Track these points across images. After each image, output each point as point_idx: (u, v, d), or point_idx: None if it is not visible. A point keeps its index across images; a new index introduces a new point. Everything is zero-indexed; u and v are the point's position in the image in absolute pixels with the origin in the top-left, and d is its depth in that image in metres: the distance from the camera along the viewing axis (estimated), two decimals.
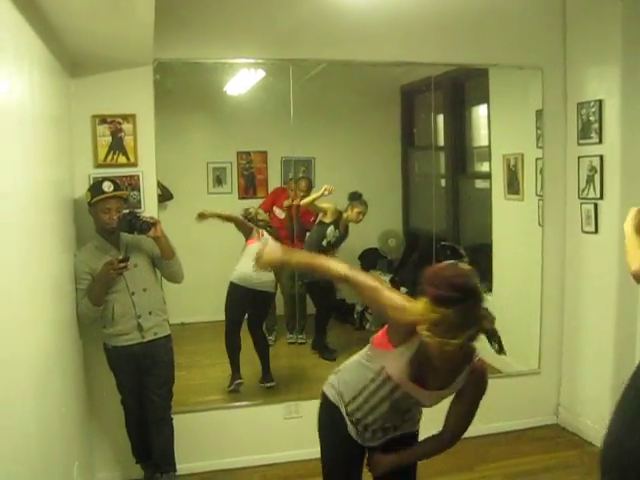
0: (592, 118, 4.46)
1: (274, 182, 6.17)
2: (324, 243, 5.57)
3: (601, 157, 4.41)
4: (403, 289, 5.96)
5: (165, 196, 5.82)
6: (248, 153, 6.22)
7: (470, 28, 4.56)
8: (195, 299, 5.04)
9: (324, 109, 5.99)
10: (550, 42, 4.73)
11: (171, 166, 5.51)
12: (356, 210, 5.67)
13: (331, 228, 5.64)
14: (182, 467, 4.03)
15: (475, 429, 4.56)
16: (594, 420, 4.59)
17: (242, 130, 5.96)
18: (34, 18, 2.65)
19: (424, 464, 3.42)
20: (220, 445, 4.28)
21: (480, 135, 6.12)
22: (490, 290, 5.58)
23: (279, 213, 5.78)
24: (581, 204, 4.59)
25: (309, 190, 5.70)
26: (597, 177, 4.44)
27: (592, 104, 4.46)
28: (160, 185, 5.67)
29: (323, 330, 5.68)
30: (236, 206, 5.20)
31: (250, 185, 6.23)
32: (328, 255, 4.92)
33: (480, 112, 6.08)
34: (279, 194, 5.90)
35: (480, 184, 6.16)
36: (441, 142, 6.30)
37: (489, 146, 5.64)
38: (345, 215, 5.66)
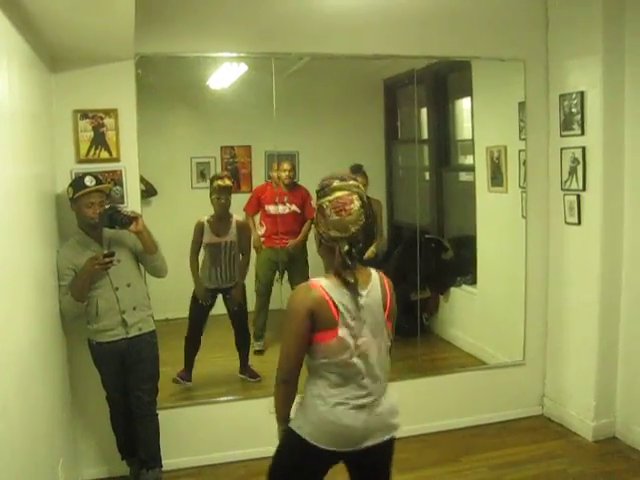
0: (574, 110, 4.48)
1: (258, 176, 6.13)
2: None
3: (583, 149, 4.42)
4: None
5: (149, 192, 5.79)
6: (232, 147, 6.18)
7: (452, 20, 4.56)
8: (180, 295, 5.00)
9: (308, 103, 5.97)
10: (532, 34, 4.74)
11: (154, 162, 5.48)
12: None
13: None
14: (168, 462, 4.02)
15: (460, 420, 4.68)
16: (579, 410, 4.62)
17: (226, 124, 5.93)
18: (13, 12, 2.62)
19: (411, 456, 3.46)
20: (206, 440, 4.27)
21: (463, 128, 6.14)
22: (474, 282, 5.61)
23: (274, 209, 5.66)
24: (564, 196, 4.61)
25: (293, 169, 5.68)
26: (580, 168, 4.46)
27: (574, 96, 4.47)
28: (144, 181, 5.63)
29: None
30: None
31: (234, 179, 6.20)
32: None
33: (463, 105, 6.09)
34: (263, 190, 5.79)
35: (464, 177, 6.17)
36: (425, 135, 6.31)
37: (472, 139, 5.66)
38: None
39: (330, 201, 2.44)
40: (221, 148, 6.14)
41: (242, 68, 5.11)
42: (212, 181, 5.07)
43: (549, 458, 4.31)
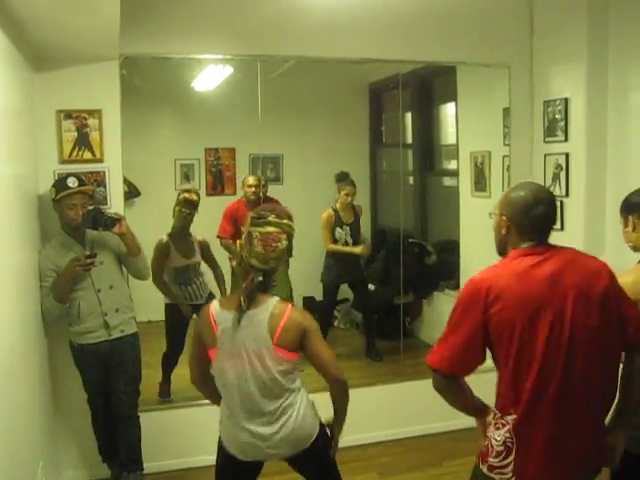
0: (558, 116, 4.51)
1: (242, 179, 6.13)
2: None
3: (567, 155, 4.46)
4: (371, 286, 5.98)
5: (132, 193, 5.75)
6: (216, 150, 6.18)
7: (437, 26, 4.57)
8: (162, 297, 4.97)
9: (293, 106, 5.99)
10: (517, 40, 4.77)
11: (138, 163, 5.46)
12: (343, 192, 5.60)
13: (338, 230, 5.65)
14: (150, 465, 4.00)
15: (444, 425, 4.68)
16: None
17: (210, 127, 5.92)
18: None
19: (393, 460, 3.46)
20: (188, 443, 4.24)
21: (448, 133, 6.17)
22: (458, 287, 5.62)
23: None
24: None
25: (259, 185, 5.32)
26: (563, 175, 4.49)
27: (558, 102, 4.51)
28: (127, 182, 5.57)
29: None
30: (204, 203, 5.14)
31: (218, 182, 6.19)
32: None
33: (448, 110, 6.12)
34: (237, 209, 5.40)
35: (448, 182, 6.20)
36: (409, 140, 6.33)
37: (457, 144, 5.68)
38: (335, 198, 5.62)
39: (261, 233, 2.59)
40: (205, 150, 6.14)
41: (227, 70, 5.11)
42: (180, 193, 4.90)
43: None
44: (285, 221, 2.63)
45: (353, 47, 4.45)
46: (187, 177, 6.08)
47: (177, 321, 4.81)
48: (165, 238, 4.79)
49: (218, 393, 2.75)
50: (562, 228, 4.52)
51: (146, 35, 4.02)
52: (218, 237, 5.33)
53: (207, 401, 2.87)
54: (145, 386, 4.02)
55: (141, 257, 3.82)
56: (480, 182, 5.26)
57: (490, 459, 2.23)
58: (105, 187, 3.99)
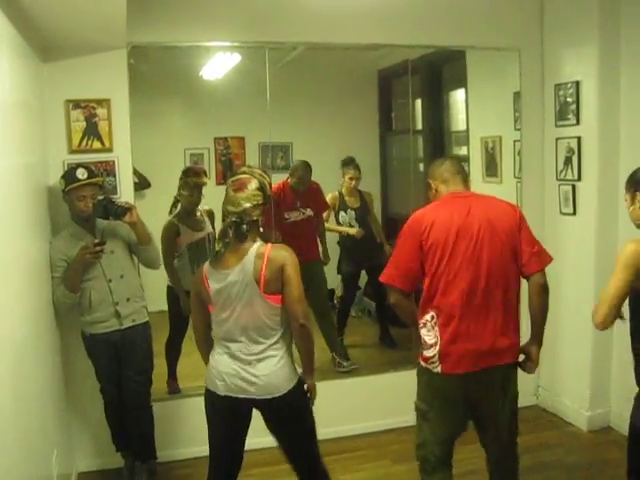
0: (569, 99, 4.46)
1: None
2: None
3: (579, 139, 4.41)
4: None
5: (142, 184, 5.71)
6: (225, 139, 6.15)
7: (446, 9, 4.53)
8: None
9: (302, 94, 5.94)
10: (527, 23, 4.72)
11: (147, 153, 5.43)
12: (347, 176, 5.60)
13: (342, 214, 5.61)
14: (163, 454, 4.03)
15: None
16: (573, 400, 4.63)
17: (219, 115, 5.88)
18: (3, 2, 2.59)
19: (407, 447, 3.44)
20: (201, 432, 4.21)
21: (458, 119, 6.11)
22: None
23: (296, 215, 5.24)
24: (559, 186, 4.60)
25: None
26: (575, 159, 4.44)
27: (569, 85, 4.46)
28: (137, 173, 5.53)
29: None
30: (214, 192, 5.11)
31: (228, 171, 6.15)
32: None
33: (458, 96, 6.05)
34: (281, 193, 5.21)
35: None
36: (419, 126, 6.28)
37: (467, 129, 5.63)
38: (340, 183, 5.60)
39: (232, 181, 2.84)
40: (214, 139, 6.10)
41: (235, 58, 5.07)
42: (185, 174, 4.74)
43: (544, 448, 4.31)
44: (257, 170, 2.87)
45: (362, 33, 4.43)
46: None
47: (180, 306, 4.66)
48: (174, 220, 4.70)
49: None
50: (574, 213, 4.50)
51: (153, 23, 4.01)
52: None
53: None
54: (157, 375, 4.02)
55: (152, 246, 3.81)
56: (491, 167, 5.21)
57: (424, 353, 2.91)
58: (115, 176, 3.99)
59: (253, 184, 2.80)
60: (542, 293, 2.96)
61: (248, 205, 2.76)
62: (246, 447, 3.05)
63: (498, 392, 2.94)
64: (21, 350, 2.73)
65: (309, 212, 5.28)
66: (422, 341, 2.92)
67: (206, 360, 3.01)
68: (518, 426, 3.10)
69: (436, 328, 2.85)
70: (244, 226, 2.75)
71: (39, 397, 3.09)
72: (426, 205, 3.03)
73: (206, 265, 2.86)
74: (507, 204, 3.02)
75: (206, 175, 4.88)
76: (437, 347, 2.85)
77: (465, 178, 3.04)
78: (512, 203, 3.10)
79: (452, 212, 2.87)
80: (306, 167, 5.32)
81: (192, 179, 4.70)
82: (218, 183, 6.06)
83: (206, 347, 3.00)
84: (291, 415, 2.91)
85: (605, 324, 2.66)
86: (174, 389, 4.68)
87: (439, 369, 2.86)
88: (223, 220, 2.83)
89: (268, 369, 2.82)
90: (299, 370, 2.96)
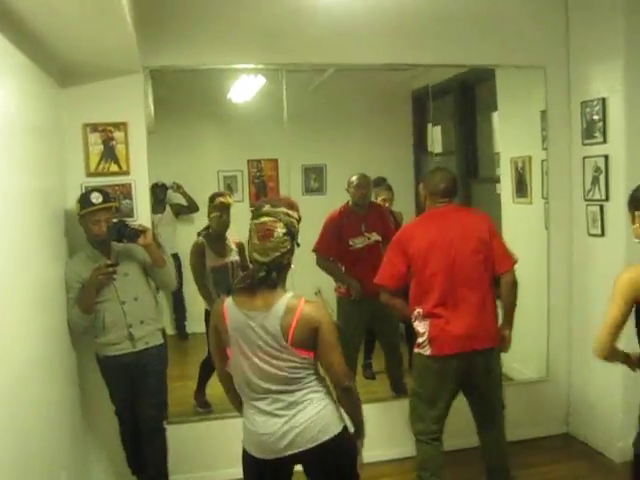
0: (596, 117, 4.34)
1: (285, 190, 6.11)
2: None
3: (606, 157, 4.28)
4: None
5: (191, 208, 5.78)
6: (259, 161, 6.18)
7: (471, 28, 4.48)
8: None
9: (335, 116, 5.93)
10: (552, 40, 4.62)
11: (181, 176, 5.51)
12: (380, 198, 5.33)
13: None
14: (177, 478, 4.01)
15: None
16: (605, 430, 4.45)
17: (250, 138, 5.92)
18: (14, 31, 2.68)
19: None
20: (215, 456, 4.22)
21: (490, 139, 6.01)
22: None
23: (361, 241, 4.87)
24: (587, 206, 4.47)
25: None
26: (602, 178, 4.31)
27: (596, 102, 4.34)
28: (186, 196, 5.60)
29: None
30: (247, 214, 5.14)
31: (262, 193, 6.18)
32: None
33: (490, 116, 5.97)
34: (340, 218, 4.89)
35: (492, 188, 6.04)
36: (452, 147, 6.21)
37: (498, 150, 5.53)
38: None
39: (256, 224, 2.54)
40: (248, 162, 6.15)
41: (261, 80, 5.10)
42: (212, 199, 4.80)
43: (573, 479, 4.17)
44: (281, 209, 2.54)
45: (388, 52, 4.41)
46: (230, 189, 6.09)
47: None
48: (200, 239, 4.80)
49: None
50: (603, 234, 4.35)
51: (171, 47, 4.05)
52: (315, 252, 4.85)
53: (234, 414, 2.86)
54: (176, 399, 4.02)
55: (167, 269, 3.82)
56: (521, 188, 5.10)
57: (418, 340, 3.56)
58: (131, 199, 4.03)
59: (279, 230, 2.51)
60: (511, 288, 3.62)
61: (277, 254, 2.52)
62: None
63: (482, 372, 3.56)
64: (25, 371, 2.75)
65: (375, 236, 4.85)
66: (416, 331, 3.58)
67: (231, 397, 2.84)
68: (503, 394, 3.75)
69: (424, 320, 3.52)
70: (274, 274, 2.54)
71: (45, 418, 3.09)
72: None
73: (229, 300, 2.62)
74: (479, 216, 3.70)
75: (230, 196, 4.91)
76: (426, 335, 3.51)
77: (450, 189, 3.62)
78: (484, 214, 3.78)
79: (430, 226, 3.57)
80: (366, 178, 4.96)
81: (217, 199, 4.78)
82: (252, 205, 6.09)
83: (232, 395, 2.79)
84: (334, 462, 2.66)
85: (604, 352, 2.67)
86: (202, 403, 4.74)
87: (429, 352, 3.51)
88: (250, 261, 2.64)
89: (299, 420, 2.58)
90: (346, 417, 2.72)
